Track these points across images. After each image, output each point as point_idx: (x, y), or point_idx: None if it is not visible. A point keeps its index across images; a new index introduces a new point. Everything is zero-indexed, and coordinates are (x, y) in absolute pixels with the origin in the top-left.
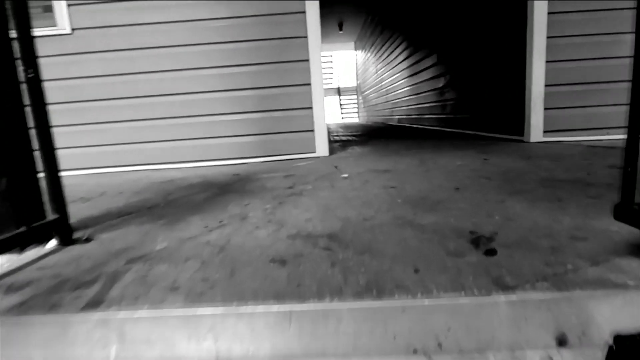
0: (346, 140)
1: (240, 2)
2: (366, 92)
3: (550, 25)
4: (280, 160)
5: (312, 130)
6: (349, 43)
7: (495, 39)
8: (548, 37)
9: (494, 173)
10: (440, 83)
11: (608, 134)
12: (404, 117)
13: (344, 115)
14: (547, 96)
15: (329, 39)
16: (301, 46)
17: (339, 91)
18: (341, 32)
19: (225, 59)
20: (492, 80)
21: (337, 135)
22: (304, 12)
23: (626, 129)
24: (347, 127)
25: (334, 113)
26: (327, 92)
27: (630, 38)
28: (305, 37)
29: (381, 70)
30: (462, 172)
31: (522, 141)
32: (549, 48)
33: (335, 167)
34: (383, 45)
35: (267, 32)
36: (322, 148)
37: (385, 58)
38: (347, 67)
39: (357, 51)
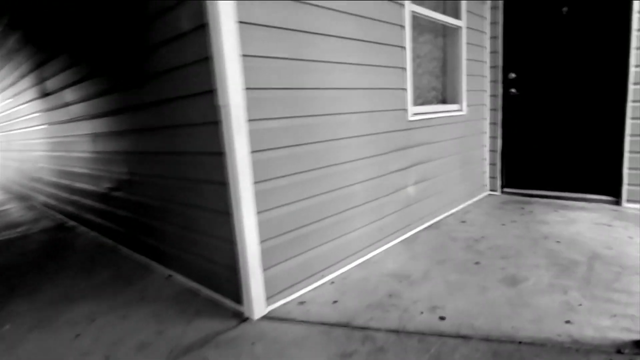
0: None
1: None
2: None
3: (255, 166)
4: None
5: None
6: None
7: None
8: (255, 182)
9: None
10: (110, 183)
11: (323, 276)
12: (55, 204)
13: None
14: (264, 253)
15: None
16: None
17: None
18: None
19: None
20: (192, 218)
21: None
22: None
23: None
24: None
25: None
26: None
27: (330, 171)
28: None
29: (15, 117)
30: None
31: (242, 315)
32: (257, 195)
33: None
34: (14, 84)
35: None
36: None
37: (18, 105)
38: None
39: None
